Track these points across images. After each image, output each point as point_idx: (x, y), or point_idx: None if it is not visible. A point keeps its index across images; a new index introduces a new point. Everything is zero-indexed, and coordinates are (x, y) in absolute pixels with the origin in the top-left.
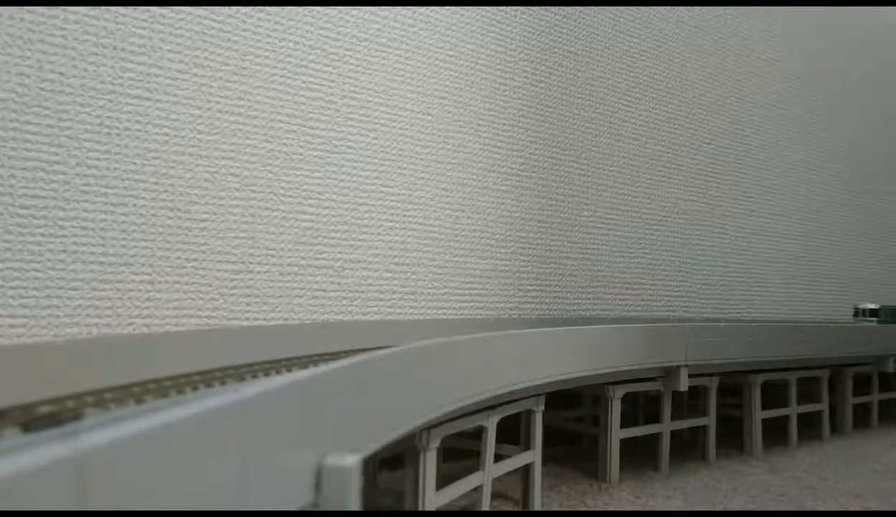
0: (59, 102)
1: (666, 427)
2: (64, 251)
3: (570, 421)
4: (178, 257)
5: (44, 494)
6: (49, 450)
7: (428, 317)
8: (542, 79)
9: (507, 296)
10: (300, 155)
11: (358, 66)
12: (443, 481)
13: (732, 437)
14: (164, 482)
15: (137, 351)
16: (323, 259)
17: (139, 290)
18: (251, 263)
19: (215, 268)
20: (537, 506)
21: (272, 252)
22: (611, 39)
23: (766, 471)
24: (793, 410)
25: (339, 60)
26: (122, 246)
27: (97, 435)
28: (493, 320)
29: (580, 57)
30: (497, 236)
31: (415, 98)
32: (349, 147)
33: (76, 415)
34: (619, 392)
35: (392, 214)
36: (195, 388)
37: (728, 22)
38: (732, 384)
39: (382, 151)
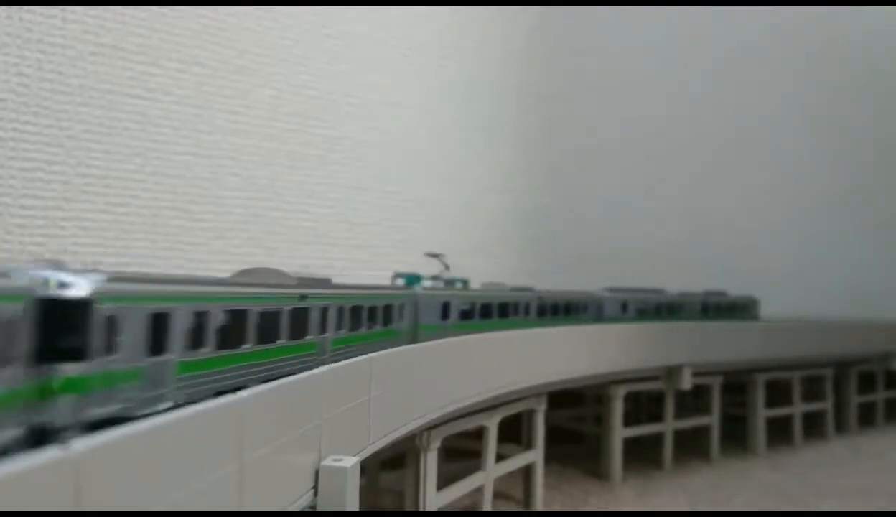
0: (58, 102)
1: (669, 426)
2: (64, 251)
3: (572, 420)
4: (178, 257)
5: (40, 494)
6: (45, 450)
7: None
8: (545, 76)
9: None
10: (301, 154)
11: (359, 64)
12: (444, 481)
13: (736, 436)
14: (161, 482)
15: None
16: (324, 258)
17: None
18: (252, 263)
19: (215, 268)
20: (539, 505)
21: (273, 252)
22: (613, 38)
23: (770, 470)
24: (796, 409)
25: (339, 59)
26: (123, 246)
27: (93, 436)
28: None
29: (584, 55)
30: (500, 235)
31: (416, 96)
32: (350, 146)
33: None
34: (622, 391)
35: (393, 213)
36: None
37: (729, 18)
38: (736, 383)
39: (384, 150)
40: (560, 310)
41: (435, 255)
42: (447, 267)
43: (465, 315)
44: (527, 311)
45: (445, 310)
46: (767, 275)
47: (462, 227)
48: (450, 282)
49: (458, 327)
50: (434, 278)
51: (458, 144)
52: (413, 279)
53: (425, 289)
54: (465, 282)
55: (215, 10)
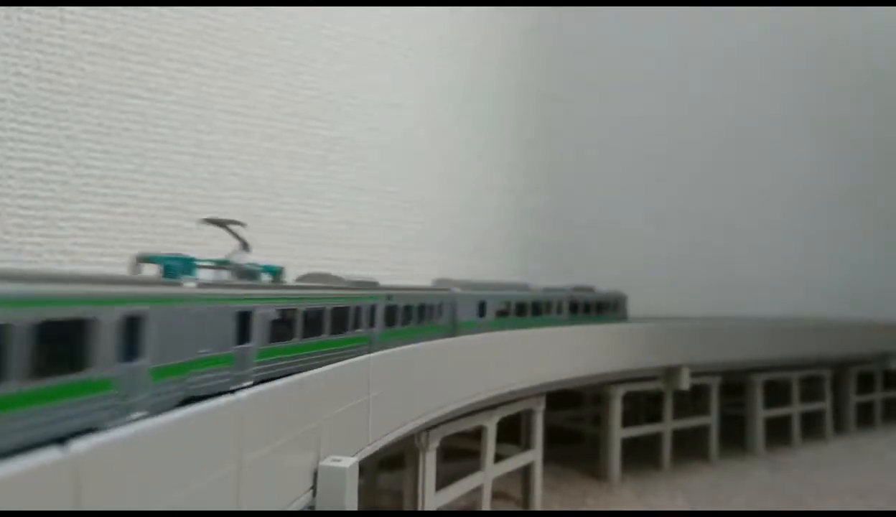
0: (57, 102)
1: (667, 426)
2: (63, 252)
3: (570, 420)
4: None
5: (40, 494)
6: (44, 451)
7: None
8: (545, 76)
9: None
10: (301, 154)
11: (359, 64)
12: (443, 481)
13: (735, 436)
14: (161, 482)
15: None
16: (324, 259)
17: None
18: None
19: None
20: (538, 505)
21: (273, 252)
22: (613, 38)
23: (769, 470)
24: (795, 409)
25: (339, 59)
26: (122, 246)
27: (93, 436)
28: None
29: (584, 55)
30: (501, 235)
31: (416, 96)
32: (350, 146)
33: None
34: (620, 391)
35: (393, 213)
36: None
37: (729, 18)
38: (734, 383)
39: (384, 150)
40: (413, 315)
41: (221, 224)
42: (245, 245)
43: (279, 332)
44: (372, 321)
45: (244, 325)
46: (767, 275)
47: (462, 226)
48: (250, 273)
49: (267, 355)
50: (221, 264)
51: (458, 144)
52: (176, 265)
53: (200, 284)
54: (276, 273)
55: (215, 10)
